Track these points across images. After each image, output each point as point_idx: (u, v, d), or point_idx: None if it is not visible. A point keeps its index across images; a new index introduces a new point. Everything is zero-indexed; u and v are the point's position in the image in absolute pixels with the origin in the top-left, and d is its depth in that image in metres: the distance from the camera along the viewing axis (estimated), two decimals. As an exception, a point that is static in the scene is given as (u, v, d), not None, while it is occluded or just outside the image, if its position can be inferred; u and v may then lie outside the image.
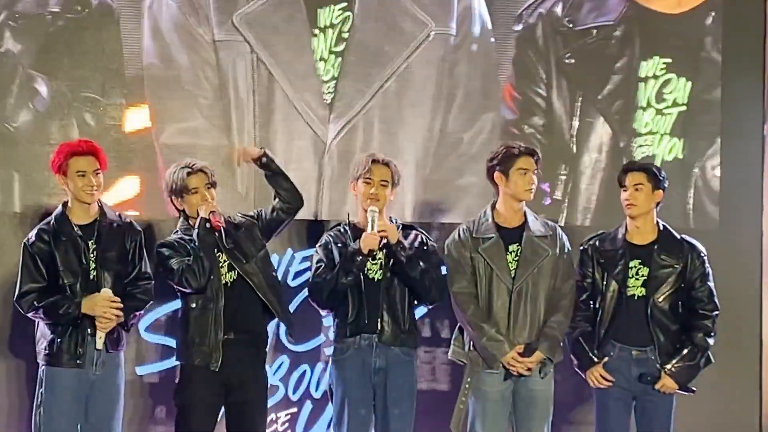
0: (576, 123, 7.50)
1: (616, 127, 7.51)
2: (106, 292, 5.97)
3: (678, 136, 7.54)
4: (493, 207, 6.27)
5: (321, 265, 6.20)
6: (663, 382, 6.17)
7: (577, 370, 6.32)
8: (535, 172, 6.21)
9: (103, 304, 5.95)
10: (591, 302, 6.29)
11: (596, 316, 6.27)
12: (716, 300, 6.27)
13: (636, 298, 6.23)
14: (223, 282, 6.11)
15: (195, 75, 7.13)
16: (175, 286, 6.12)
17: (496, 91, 7.43)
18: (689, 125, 7.55)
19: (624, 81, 7.53)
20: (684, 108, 7.55)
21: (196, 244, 6.04)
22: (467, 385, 6.14)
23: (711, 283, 6.28)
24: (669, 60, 7.55)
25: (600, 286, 6.27)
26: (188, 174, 6.12)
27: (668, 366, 6.18)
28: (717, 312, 6.25)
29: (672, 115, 7.56)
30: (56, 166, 6.09)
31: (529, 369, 6.10)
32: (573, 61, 7.49)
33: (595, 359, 6.23)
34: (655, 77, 7.55)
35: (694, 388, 6.24)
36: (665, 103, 7.55)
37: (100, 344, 5.95)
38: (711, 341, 6.22)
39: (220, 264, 6.12)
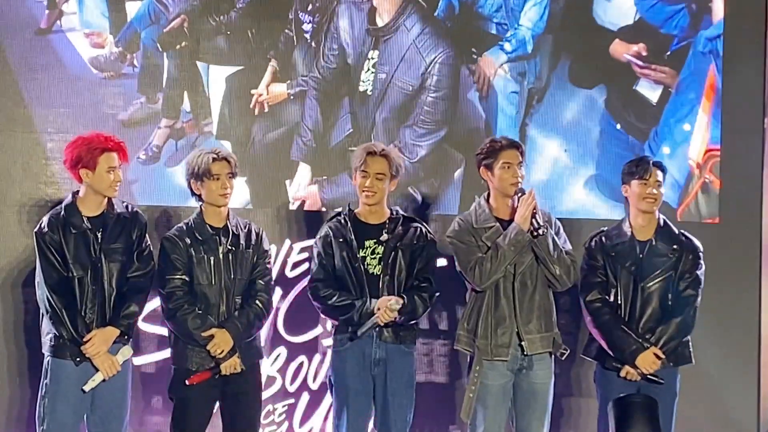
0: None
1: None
2: (123, 354, 5.99)
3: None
4: (487, 199, 6.23)
5: (321, 262, 6.18)
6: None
7: (605, 368, 6.22)
8: (520, 165, 6.15)
9: (110, 365, 5.96)
10: (607, 295, 6.25)
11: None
12: (700, 288, 6.24)
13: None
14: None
15: None
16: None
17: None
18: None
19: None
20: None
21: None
22: (476, 374, 6.09)
23: (701, 276, 6.25)
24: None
25: (613, 279, 6.24)
26: (213, 160, 6.09)
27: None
28: (698, 297, 6.23)
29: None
30: (81, 159, 5.96)
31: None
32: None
33: (646, 345, 6.13)
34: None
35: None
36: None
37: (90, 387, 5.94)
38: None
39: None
